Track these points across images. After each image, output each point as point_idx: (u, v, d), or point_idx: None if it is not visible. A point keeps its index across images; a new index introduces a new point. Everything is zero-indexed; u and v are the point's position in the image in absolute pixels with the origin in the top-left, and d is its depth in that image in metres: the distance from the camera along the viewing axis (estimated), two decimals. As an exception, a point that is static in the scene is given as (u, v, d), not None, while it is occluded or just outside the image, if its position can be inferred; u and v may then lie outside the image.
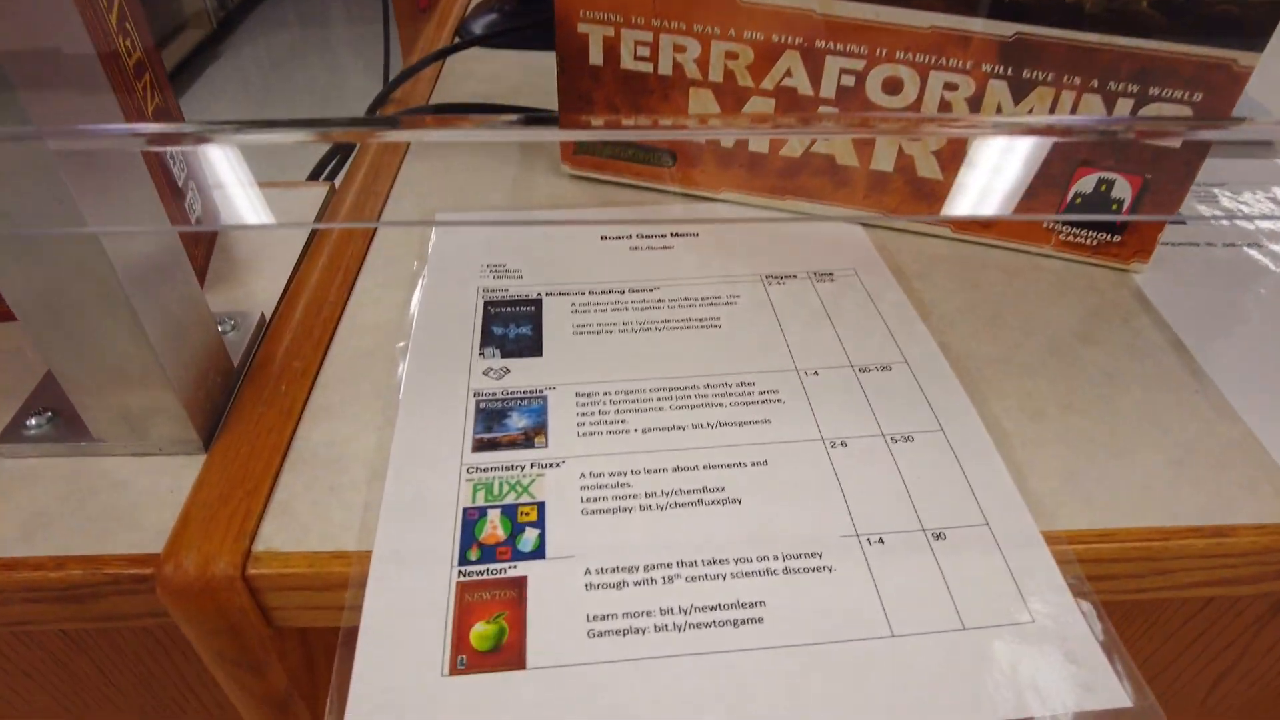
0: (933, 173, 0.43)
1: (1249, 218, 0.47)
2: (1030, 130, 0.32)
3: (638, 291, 0.41)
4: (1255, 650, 0.51)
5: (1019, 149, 0.41)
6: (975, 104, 0.40)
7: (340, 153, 0.53)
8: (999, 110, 0.40)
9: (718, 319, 0.39)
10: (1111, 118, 0.39)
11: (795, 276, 0.42)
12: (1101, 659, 0.27)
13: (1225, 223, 0.47)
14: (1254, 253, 0.45)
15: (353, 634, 0.27)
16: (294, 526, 0.30)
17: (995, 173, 0.42)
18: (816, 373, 0.36)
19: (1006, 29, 0.38)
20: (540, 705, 0.25)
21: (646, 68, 0.44)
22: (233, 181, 0.45)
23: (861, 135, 0.41)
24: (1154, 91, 0.38)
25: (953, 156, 0.42)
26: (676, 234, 0.45)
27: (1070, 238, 0.43)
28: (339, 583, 0.28)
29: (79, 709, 0.43)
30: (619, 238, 0.45)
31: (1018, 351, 0.38)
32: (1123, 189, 0.41)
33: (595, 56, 0.44)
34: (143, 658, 0.38)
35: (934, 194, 0.44)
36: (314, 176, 0.54)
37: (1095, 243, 0.43)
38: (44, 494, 0.31)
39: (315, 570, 0.29)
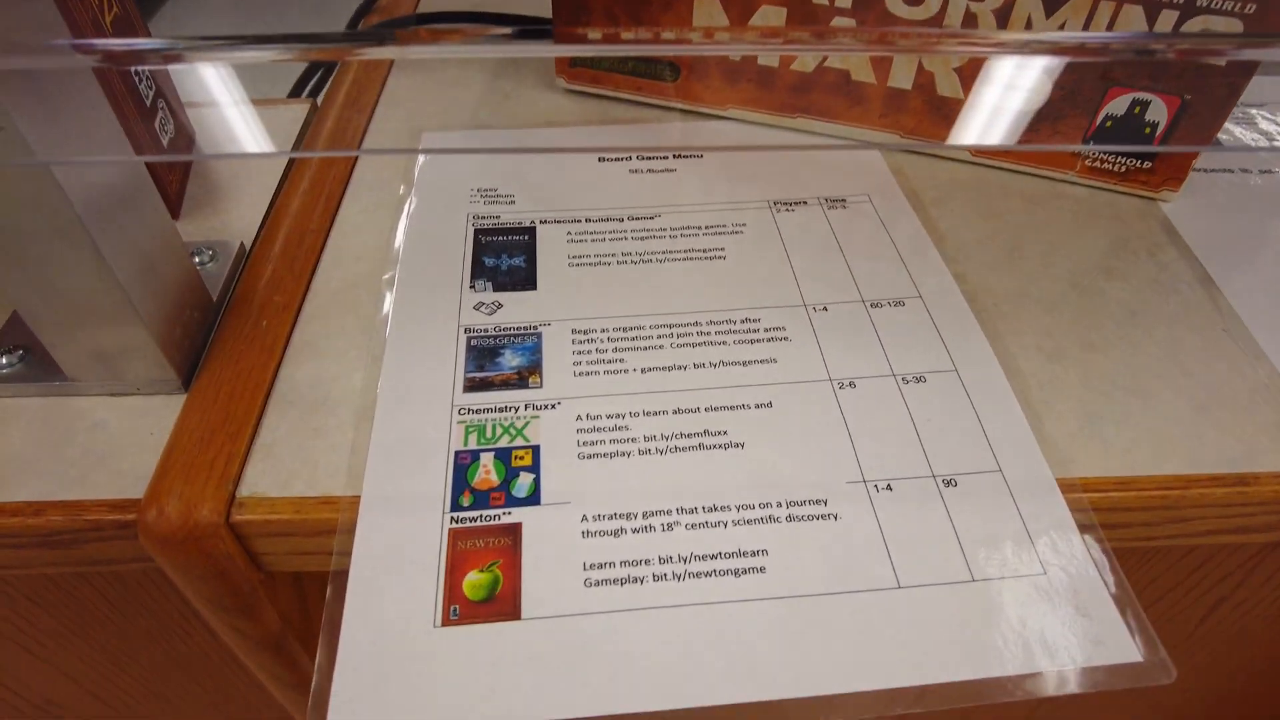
0: (954, 91, 0.40)
1: None
2: (1059, 50, 0.30)
3: (637, 219, 0.39)
4: (1253, 581, 0.50)
5: (1047, 69, 0.38)
6: (1003, 16, 0.37)
7: (323, 66, 0.50)
8: (1029, 23, 0.37)
9: (722, 250, 0.37)
10: (1150, 34, 0.36)
11: (805, 203, 0.40)
12: (1113, 612, 0.26)
13: (1264, 143, 0.45)
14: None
15: (342, 578, 0.26)
16: (279, 470, 0.29)
17: (1019, 94, 0.39)
18: (826, 308, 0.35)
19: (1044, -70, 0.35)
20: (535, 658, 0.24)
21: (648, -28, 0.40)
22: (208, 100, 0.42)
23: (879, 53, 0.38)
24: (1202, 1, 0.35)
25: (975, 74, 0.39)
26: (680, 155, 0.43)
27: (1097, 163, 0.41)
28: (327, 529, 0.28)
29: (85, 630, 0.43)
30: (618, 159, 0.42)
31: (1037, 285, 0.37)
32: (1158, 111, 0.38)
33: (593, -41, 0.40)
34: (144, 585, 0.38)
35: (955, 114, 0.41)
36: (295, 92, 0.51)
37: (1124, 169, 0.41)
38: (20, 436, 0.30)
39: (302, 516, 0.28)
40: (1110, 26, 0.36)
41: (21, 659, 0.47)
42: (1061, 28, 0.37)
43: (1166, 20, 0.36)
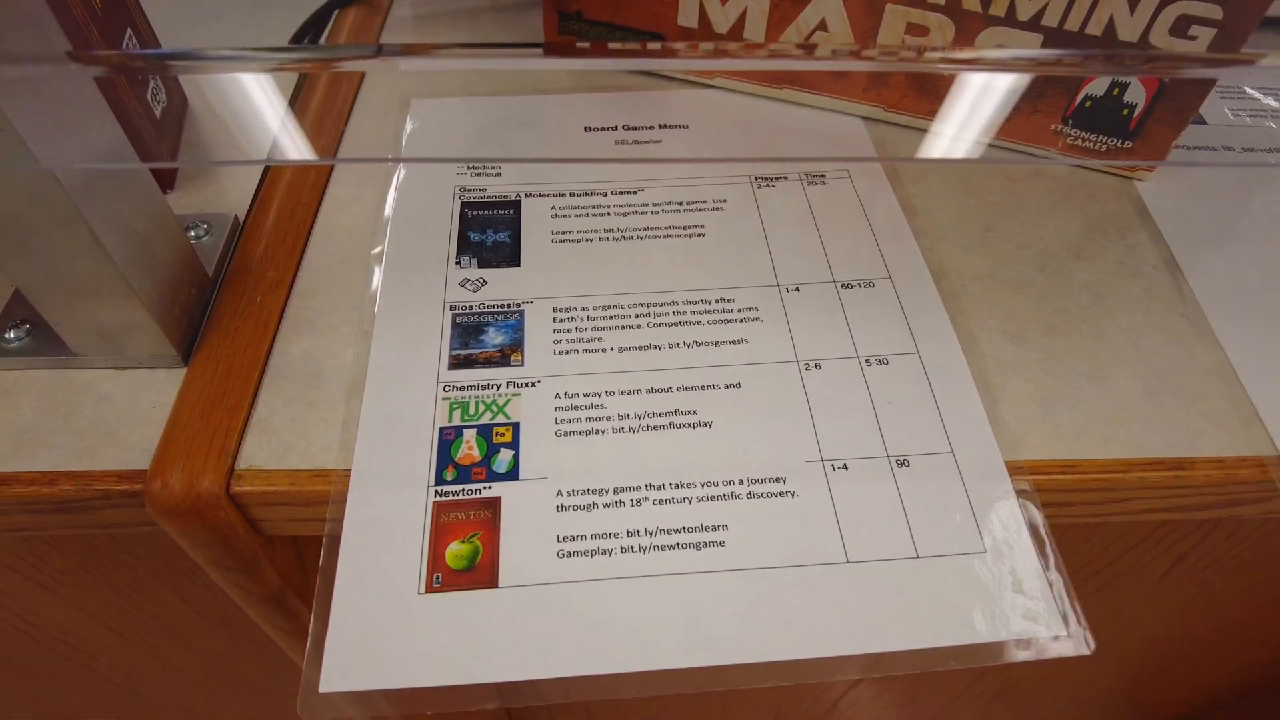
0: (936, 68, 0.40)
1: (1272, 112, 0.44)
2: (1035, 65, 0.30)
3: (621, 194, 0.40)
4: (1216, 536, 0.53)
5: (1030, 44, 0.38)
6: (989, -8, 0.37)
7: (315, 28, 0.50)
8: (1011, 5, 0.37)
9: (702, 227, 0.38)
10: (1121, 53, 0.36)
11: (786, 178, 0.41)
12: (1046, 590, 0.28)
13: (1248, 122, 0.45)
14: (1275, 160, 0.43)
15: (335, 544, 0.28)
16: (275, 444, 0.31)
17: (1002, 74, 0.39)
18: (798, 288, 0.36)
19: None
20: (510, 623, 0.27)
21: (635, -59, 0.40)
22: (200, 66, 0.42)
23: (860, 68, 0.38)
24: (1183, -13, 0.35)
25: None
26: (665, 125, 0.43)
27: (1078, 141, 0.41)
28: (321, 499, 0.30)
29: (96, 569, 0.46)
30: (603, 129, 0.43)
31: (1007, 267, 0.38)
32: (1136, 93, 0.39)
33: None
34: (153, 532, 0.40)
35: (937, 91, 0.41)
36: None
37: (1104, 148, 0.41)
38: (31, 407, 0.31)
39: (297, 488, 0.30)
40: (1092, 8, 0.36)
41: (35, 593, 0.50)
42: (1044, 9, 0.37)
43: (1146, 8, 0.36)
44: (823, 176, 0.41)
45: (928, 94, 0.42)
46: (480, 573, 0.28)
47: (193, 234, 0.36)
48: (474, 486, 0.30)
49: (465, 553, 0.28)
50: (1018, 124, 0.41)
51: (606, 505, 0.29)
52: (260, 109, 0.41)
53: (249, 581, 0.33)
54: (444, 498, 0.29)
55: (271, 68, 0.24)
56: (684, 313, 0.35)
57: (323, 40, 0.50)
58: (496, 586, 0.28)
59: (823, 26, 0.40)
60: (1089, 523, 0.37)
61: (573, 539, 0.29)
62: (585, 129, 0.43)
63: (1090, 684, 0.96)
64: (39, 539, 0.42)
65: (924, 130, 0.43)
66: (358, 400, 0.32)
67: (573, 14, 0.44)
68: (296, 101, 0.44)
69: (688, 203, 0.39)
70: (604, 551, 0.28)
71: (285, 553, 0.34)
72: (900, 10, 0.39)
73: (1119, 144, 0.41)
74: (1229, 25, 0.35)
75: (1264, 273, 0.38)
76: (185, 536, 0.30)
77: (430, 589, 0.27)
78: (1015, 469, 0.31)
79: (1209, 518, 0.34)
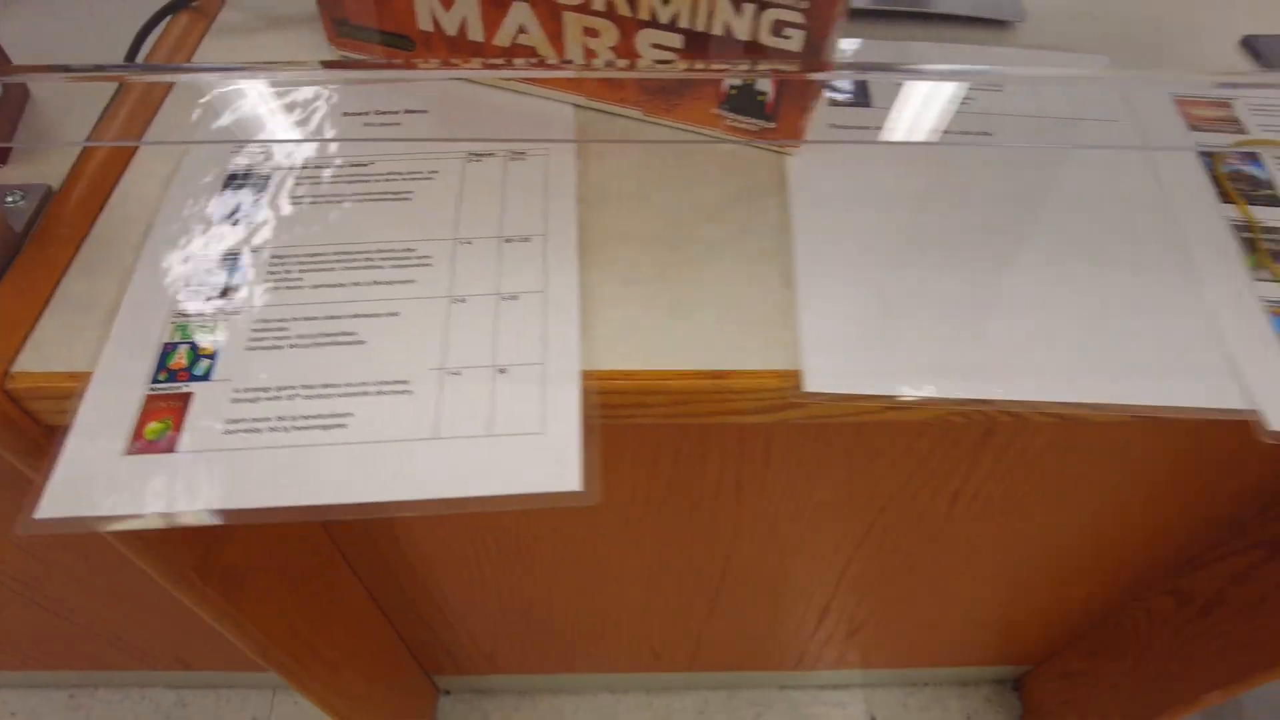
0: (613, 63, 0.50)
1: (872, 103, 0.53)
2: (669, 70, 0.40)
3: (355, 166, 0.50)
4: (977, 474, 0.62)
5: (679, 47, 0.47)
6: None
7: (163, 17, 0.60)
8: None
9: (411, 192, 0.48)
10: (725, 67, 0.45)
11: (494, 154, 0.50)
12: (577, 462, 0.38)
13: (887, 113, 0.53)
14: (893, 138, 0.52)
15: (73, 423, 0.39)
16: (44, 356, 0.41)
17: (664, 69, 0.48)
18: (470, 242, 0.46)
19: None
20: (179, 475, 0.38)
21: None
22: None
23: (546, 75, 0.48)
24: None
25: (628, 53, 0.49)
26: (409, 110, 0.53)
27: (735, 123, 0.50)
28: (71, 394, 0.41)
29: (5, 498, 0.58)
30: (359, 114, 0.53)
31: (646, 227, 0.47)
32: (765, 83, 0.47)
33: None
34: None
35: (620, 84, 0.50)
36: (131, 55, 0.62)
37: (756, 128, 0.50)
38: (-128, 327, 0.43)
39: (54, 385, 0.41)
40: (711, 14, 0.45)
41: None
42: (678, 15, 0.46)
43: (750, 10, 0.44)
44: (523, 153, 0.50)
45: (613, 86, 0.51)
46: (166, 442, 0.39)
47: (9, 200, 0.47)
48: (177, 385, 0.40)
49: (158, 429, 0.39)
50: (686, 109, 0.50)
51: (269, 399, 0.40)
52: (82, 101, 0.52)
53: (42, 462, 0.44)
54: (154, 392, 0.40)
55: (76, 79, 0.34)
56: (373, 259, 0.45)
57: (147, 50, 0.60)
58: (174, 451, 0.38)
59: (522, 30, 0.50)
60: (677, 424, 0.46)
61: (237, 422, 0.39)
62: (344, 114, 0.53)
63: (948, 625, 1.04)
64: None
65: (616, 115, 0.53)
66: (110, 324, 0.42)
67: (342, 20, 0.54)
68: (120, 90, 0.55)
69: (406, 173, 0.49)
70: (256, 430, 0.39)
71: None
72: (575, 17, 0.48)
73: (767, 125, 0.50)
74: (810, 27, 0.44)
75: (853, 231, 0.46)
76: (-24, 422, 0.41)
77: (129, 453, 0.38)
78: (587, 376, 0.41)
79: (763, 422, 0.43)
